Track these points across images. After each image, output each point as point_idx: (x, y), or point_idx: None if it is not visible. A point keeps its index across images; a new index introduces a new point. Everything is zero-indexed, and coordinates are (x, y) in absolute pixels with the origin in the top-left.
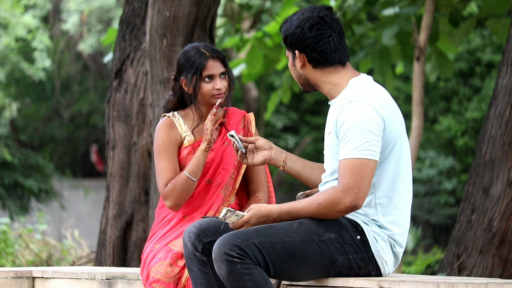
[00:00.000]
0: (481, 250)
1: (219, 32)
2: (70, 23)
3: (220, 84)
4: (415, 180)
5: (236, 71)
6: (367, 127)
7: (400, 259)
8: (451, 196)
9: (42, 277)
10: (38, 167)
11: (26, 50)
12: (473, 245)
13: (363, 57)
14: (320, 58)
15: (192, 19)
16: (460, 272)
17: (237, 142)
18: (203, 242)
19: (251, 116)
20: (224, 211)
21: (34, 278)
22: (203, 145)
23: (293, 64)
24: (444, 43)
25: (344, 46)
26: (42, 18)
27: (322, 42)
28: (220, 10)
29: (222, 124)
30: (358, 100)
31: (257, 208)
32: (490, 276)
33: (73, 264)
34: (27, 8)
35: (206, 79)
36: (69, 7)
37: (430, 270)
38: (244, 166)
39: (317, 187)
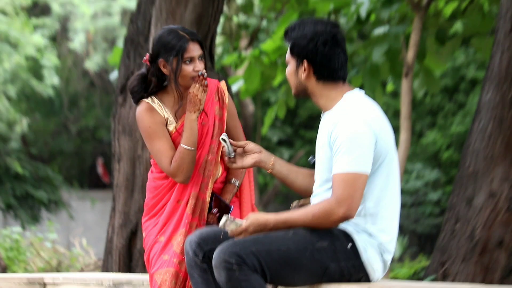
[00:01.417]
0: (464, 258)
1: (219, 49)
2: (77, 42)
3: (199, 66)
4: (402, 191)
5: (234, 87)
6: (359, 142)
7: (388, 266)
8: (436, 206)
9: (53, 283)
10: (47, 179)
11: (35, 68)
12: (457, 253)
13: (354, 74)
14: (327, 73)
15: None
16: (444, 278)
17: (228, 146)
18: (203, 250)
19: (223, 85)
20: (224, 219)
21: (45, 284)
22: (193, 115)
23: (295, 72)
24: (431, 61)
25: (347, 64)
26: (51, 38)
27: (332, 59)
28: (219, 29)
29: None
30: (351, 116)
31: (255, 217)
32: (472, 282)
33: (81, 270)
34: (36, 28)
35: (187, 62)
36: (76, 27)
37: (416, 276)
38: (217, 143)
39: (301, 190)
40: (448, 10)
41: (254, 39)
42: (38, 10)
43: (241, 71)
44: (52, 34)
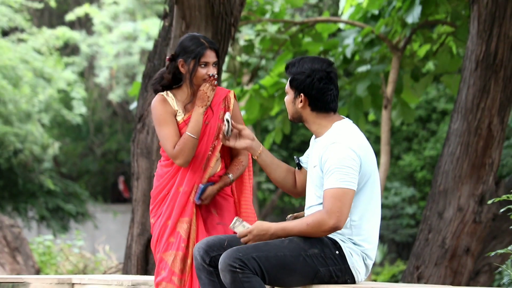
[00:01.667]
0: (436, 263)
1: (224, 84)
2: (102, 77)
3: (212, 70)
4: (382, 206)
5: None
6: (346, 164)
7: (370, 269)
8: (412, 219)
9: (80, 284)
10: (75, 194)
11: (66, 100)
12: (430, 259)
13: (341, 106)
14: (321, 106)
15: None
16: (419, 280)
17: (228, 126)
18: (210, 255)
19: (231, 94)
20: (234, 220)
21: (73, 284)
22: (201, 109)
23: (293, 101)
24: (407, 95)
25: (337, 98)
26: (79, 74)
27: (326, 94)
28: (225, 67)
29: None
30: (339, 142)
31: (260, 223)
32: (443, 283)
33: (104, 273)
34: (67, 65)
35: (202, 65)
36: (101, 64)
37: (394, 279)
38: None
39: (278, 181)
40: (422, 51)
41: (254, 76)
42: (69, 50)
43: (243, 102)
44: (80, 70)
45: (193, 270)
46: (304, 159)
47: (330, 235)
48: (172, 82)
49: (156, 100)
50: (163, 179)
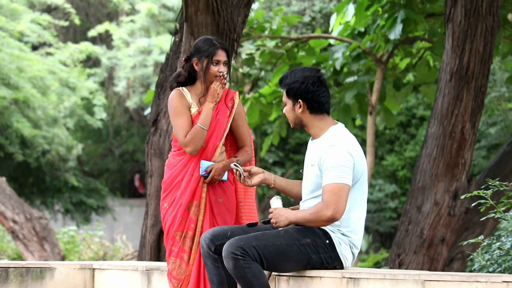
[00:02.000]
0: (415, 251)
1: None
2: (120, 86)
3: (223, 69)
4: (368, 201)
5: None
6: (343, 163)
7: (356, 257)
8: (394, 212)
9: (100, 269)
10: (97, 190)
11: (88, 106)
12: (409, 248)
13: (331, 112)
14: (318, 106)
15: None
16: (400, 266)
17: (240, 170)
18: (215, 244)
19: (236, 95)
20: (275, 197)
21: (94, 269)
22: (211, 105)
23: (292, 109)
24: (389, 102)
25: (329, 100)
26: (100, 83)
27: (320, 95)
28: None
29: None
30: (337, 145)
31: (284, 209)
32: (421, 269)
33: (122, 259)
34: (89, 75)
35: (214, 63)
36: (119, 75)
37: (378, 265)
38: (225, 135)
39: (297, 196)
40: (403, 64)
41: (255, 85)
42: (91, 62)
43: (245, 109)
44: (101, 80)
45: (200, 250)
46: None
47: (322, 227)
48: (188, 80)
49: (173, 94)
50: (176, 167)
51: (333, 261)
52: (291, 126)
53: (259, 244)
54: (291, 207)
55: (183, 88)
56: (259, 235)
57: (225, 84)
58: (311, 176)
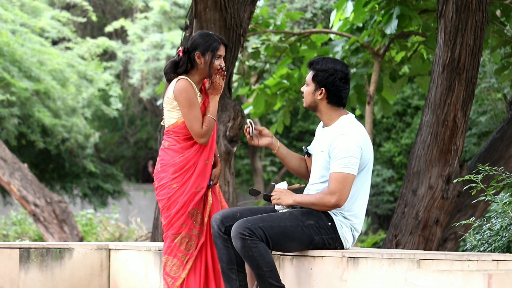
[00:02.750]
0: (410, 232)
1: (235, 84)
2: (135, 78)
3: (223, 63)
4: None
5: (246, 111)
6: (350, 153)
7: (356, 239)
8: (391, 195)
9: (115, 249)
10: (113, 175)
11: (105, 97)
12: (405, 229)
13: None
14: (337, 100)
15: None
16: (396, 246)
17: (252, 128)
18: (225, 225)
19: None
20: (281, 182)
21: (110, 249)
22: (217, 97)
23: (313, 93)
24: (386, 93)
25: (347, 96)
26: (116, 75)
27: (342, 91)
28: (235, 70)
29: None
30: (347, 135)
31: (290, 192)
32: (417, 249)
33: (136, 240)
34: (105, 68)
35: (217, 57)
36: (134, 68)
37: (376, 245)
38: None
39: (293, 168)
40: (398, 57)
41: (260, 77)
42: (107, 56)
43: (251, 99)
44: (117, 73)
45: (209, 226)
46: (311, 148)
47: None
48: (185, 70)
49: (186, 84)
50: (188, 152)
51: (334, 242)
52: (304, 105)
53: (265, 225)
54: (289, 187)
55: (186, 77)
56: (265, 216)
57: (225, 76)
58: (320, 161)
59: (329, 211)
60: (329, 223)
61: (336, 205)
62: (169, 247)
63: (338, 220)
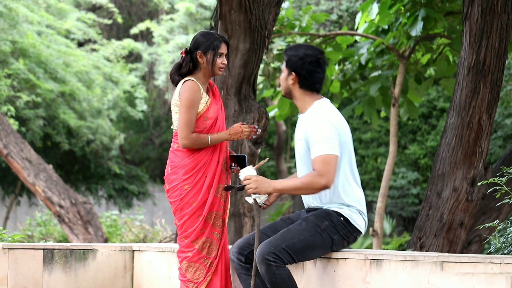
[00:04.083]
0: (435, 234)
1: (260, 86)
2: (160, 80)
3: (225, 60)
4: (391, 187)
5: (271, 113)
6: (328, 135)
7: (381, 239)
8: (416, 198)
9: (139, 250)
10: (138, 176)
11: (130, 99)
12: (430, 231)
13: (357, 104)
14: (308, 84)
15: (241, 77)
16: (421, 249)
17: (261, 202)
18: (244, 255)
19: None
20: (249, 166)
21: (133, 251)
22: (228, 136)
23: (285, 78)
24: (411, 95)
25: (323, 81)
26: (141, 77)
27: (313, 75)
28: (260, 71)
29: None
30: (320, 119)
31: (265, 178)
32: (441, 251)
33: (160, 241)
34: (131, 70)
35: (218, 55)
36: (159, 70)
37: (401, 247)
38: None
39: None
40: (424, 59)
41: None
42: (133, 58)
43: (276, 101)
44: (142, 74)
45: (225, 228)
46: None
47: (331, 208)
48: (189, 70)
49: (193, 86)
50: (198, 154)
51: (352, 234)
52: (282, 93)
53: (288, 245)
54: (256, 167)
55: (194, 79)
56: (285, 233)
57: (252, 137)
58: (300, 150)
59: (335, 209)
60: (342, 218)
61: (325, 186)
62: (189, 251)
63: (346, 212)
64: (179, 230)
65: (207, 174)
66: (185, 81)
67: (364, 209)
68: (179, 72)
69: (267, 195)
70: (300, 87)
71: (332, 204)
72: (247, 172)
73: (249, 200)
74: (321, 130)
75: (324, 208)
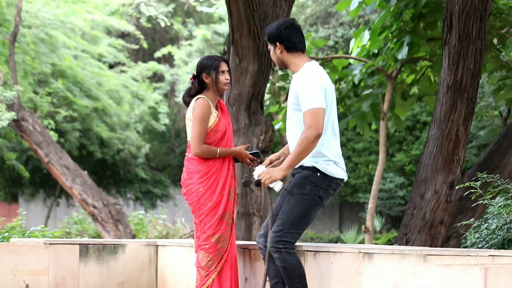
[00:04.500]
0: (419, 231)
1: (267, 102)
2: (180, 97)
3: (228, 76)
4: (381, 190)
5: (276, 126)
6: (314, 89)
7: (371, 235)
8: (402, 199)
9: (162, 245)
10: (161, 181)
11: (154, 113)
12: (414, 228)
13: (351, 118)
14: (292, 45)
15: (250, 94)
16: (406, 244)
17: (278, 187)
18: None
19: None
20: (259, 166)
21: (157, 246)
22: (234, 153)
23: (274, 52)
24: (398, 110)
25: (303, 41)
26: (164, 95)
27: (292, 36)
28: (267, 90)
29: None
30: (309, 77)
31: (273, 167)
32: (424, 246)
33: (180, 238)
34: (155, 89)
35: (220, 73)
36: (180, 88)
37: (389, 243)
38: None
39: None
40: (409, 79)
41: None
42: (157, 78)
43: (280, 116)
44: (165, 92)
45: (233, 225)
46: None
47: (306, 164)
48: (196, 92)
49: (203, 102)
50: (210, 161)
51: (332, 183)
52: (278, 68)
53: (288, 226)
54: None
55: (205, 98)
56: (281, 217)
57: (252, 163)
58: (290, 104)
59: (309, 164)
60: (318, 174)
61: (318, 135)
62: (206, 244)
63: (320, 165)
64: (199, 226)
65: (219, 179)
66: (197, 99)
67: (340, 160)
68: (189, 94)
69: (281, 182)
70: (287, 52)
71: (311, 158)
72: (259, 170)
73: (275, 186)
74: (309, 87)
75: (304, 165)
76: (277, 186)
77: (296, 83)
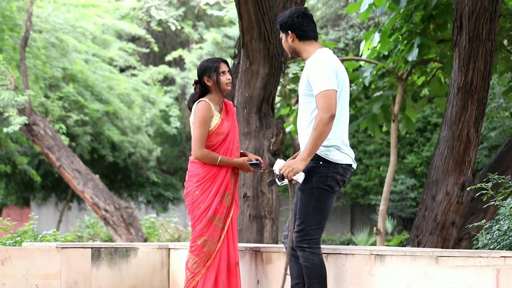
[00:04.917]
0: (430, 233)
1: (278, 105)
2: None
3: (229, 76)
4: (392, 192)
5: (287, 128)
6: (325, 72)
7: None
8: (413, 201)
9: (174, 248)
10: (172, 184)
11: (165, 117)
12: (426, 230)
13: (362, 120)
14: (303, 34)
15: (261, 97)
16: (418, 245)
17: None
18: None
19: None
20: (277, 161)
21: (169, 249)
22: (236, 164)
23: (286, 40)
24: (409, 112)
25: (315, 29)
26: (175, 98)
27: (304, 25)
28: (278, 93)
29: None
30: (321, 61)
31: (292, 160)
32: (435, 247)
33: None
34: (166, 92)
35: (221, 74)
36: (190, 92)
37: (401, 244)
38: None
39: None
40: (419, 81)
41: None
42: (167, 81)
43: (291, 118)
44: (176, 96)
45: (229, 230)
46: None
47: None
48: (200, 96)
49: (204, 105)
50: (209, 165)
51: (337, 169)
52: (289, 55)
53: (308, 224)
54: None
55: (207, 100)
56: (300, 216)
57: (256, 171)
58: (302, 89)
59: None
60: (321, 162)
61: (332, 116)
62: (193, 246)
63: (322, 153)
64: (192, 228)
65: (216, 182)
66: (198, 102)
67: (344, 145)
68: (193, 99)
69: (303, 173)
70: (299, 40)
71: None
72: (279, 164)
73: (298, 178)
74: (321, 70)
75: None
76: (300, 177)
77: (307, 68)
